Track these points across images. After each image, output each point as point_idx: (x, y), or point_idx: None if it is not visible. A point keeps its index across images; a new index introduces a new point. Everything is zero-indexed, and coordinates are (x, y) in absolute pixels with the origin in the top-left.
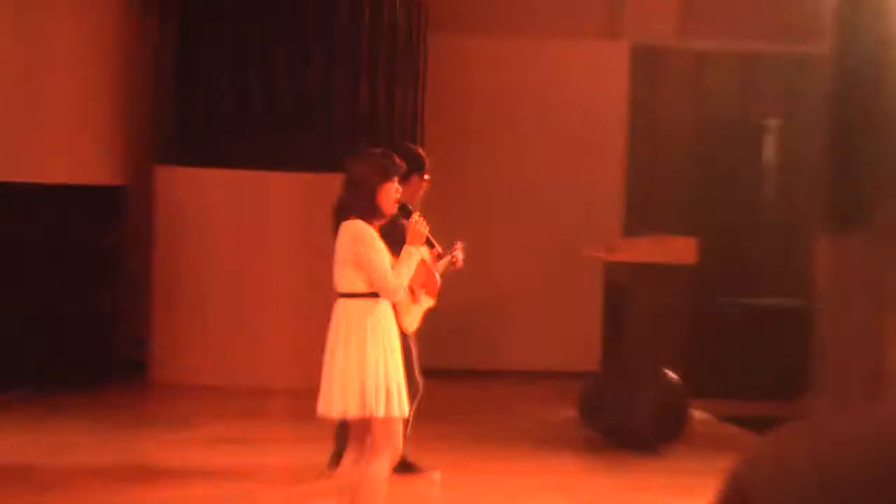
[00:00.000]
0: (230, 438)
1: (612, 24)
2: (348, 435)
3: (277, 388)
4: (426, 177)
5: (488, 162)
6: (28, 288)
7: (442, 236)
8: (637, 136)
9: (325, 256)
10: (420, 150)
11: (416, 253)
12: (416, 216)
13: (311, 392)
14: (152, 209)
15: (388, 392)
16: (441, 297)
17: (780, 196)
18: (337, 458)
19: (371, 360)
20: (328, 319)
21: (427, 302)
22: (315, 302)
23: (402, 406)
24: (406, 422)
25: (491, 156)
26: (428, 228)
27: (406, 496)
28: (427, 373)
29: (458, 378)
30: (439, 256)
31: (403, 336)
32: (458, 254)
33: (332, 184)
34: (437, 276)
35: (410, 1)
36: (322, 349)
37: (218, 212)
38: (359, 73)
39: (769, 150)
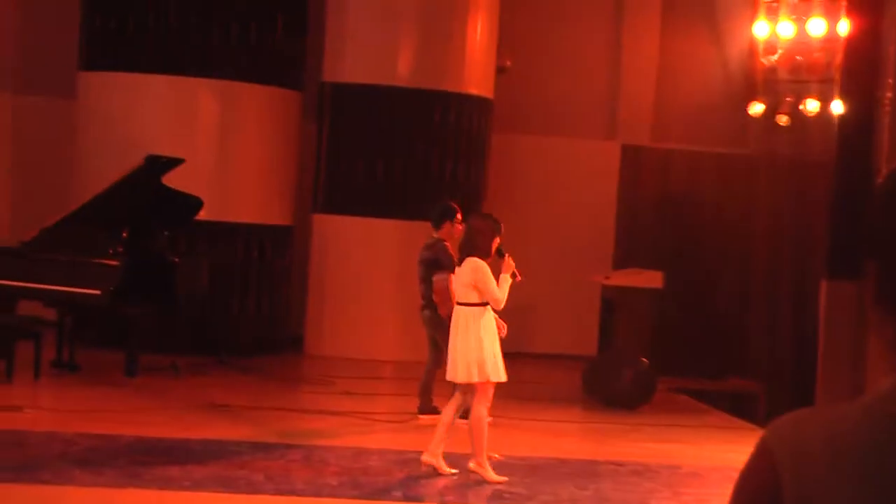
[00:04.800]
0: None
1: (609, 129)
2: (430, 391)
3: (386, 359)
4: (458, 220)
5: (530, 218)
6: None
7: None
8: (622, 205)
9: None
10: (452, 203)
11: (509, 279)
12: (508, 257)
13: (411, 364)
14: (310, 243)
15: (495, 363)
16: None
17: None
18: (425, 408)
19: (486, 346)
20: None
21: None
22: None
23: (498, 373)
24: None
25: (533, 213)
26: (513, 265)
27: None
28: None
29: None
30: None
31: (448, 324)
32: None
33: (426, 232)
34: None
35: (481, 111)
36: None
37: (355, 247)
38: (445, 157)
39: (717, 214)
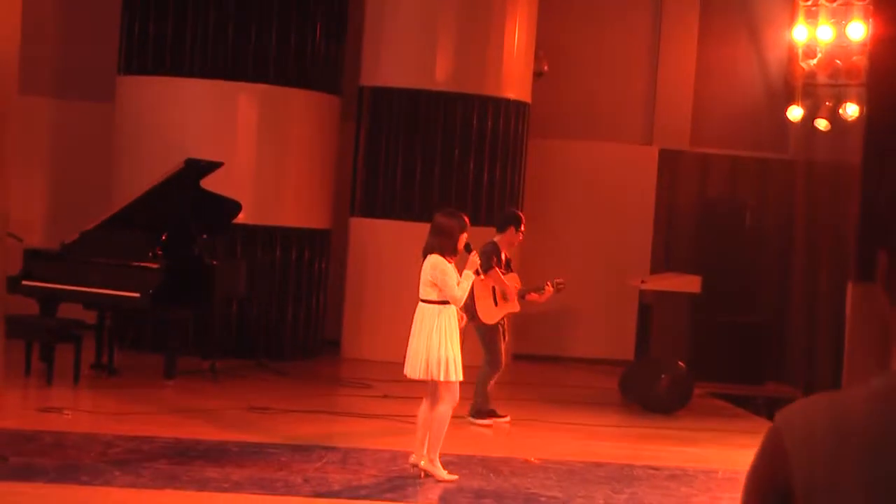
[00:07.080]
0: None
1: (647, 134)
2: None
3: None
4: (522, 229)
5: (568, 222)
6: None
7: (535, 269)
8: (660, 209)
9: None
10: (519, 212)
11: (471, 275)
12: (474, 253)
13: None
14: (348, 246)
15: (447, 364)
16: (531, 308)
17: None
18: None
19: (434, 344)
20: None
21: (510, 307)
22: None
23: (457, 373)
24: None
25: (570, 218)
26: (479, 262)
27: (489, 432)
28: (523, 357)
29: (541, 361)
30: (536, 290)
31: (488, 326)
32: (549, 288)
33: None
34: (515, 291)
35: (518, 115)
36: None
37: (392, 251)
38: (482, 161)
39: (748, 219)
